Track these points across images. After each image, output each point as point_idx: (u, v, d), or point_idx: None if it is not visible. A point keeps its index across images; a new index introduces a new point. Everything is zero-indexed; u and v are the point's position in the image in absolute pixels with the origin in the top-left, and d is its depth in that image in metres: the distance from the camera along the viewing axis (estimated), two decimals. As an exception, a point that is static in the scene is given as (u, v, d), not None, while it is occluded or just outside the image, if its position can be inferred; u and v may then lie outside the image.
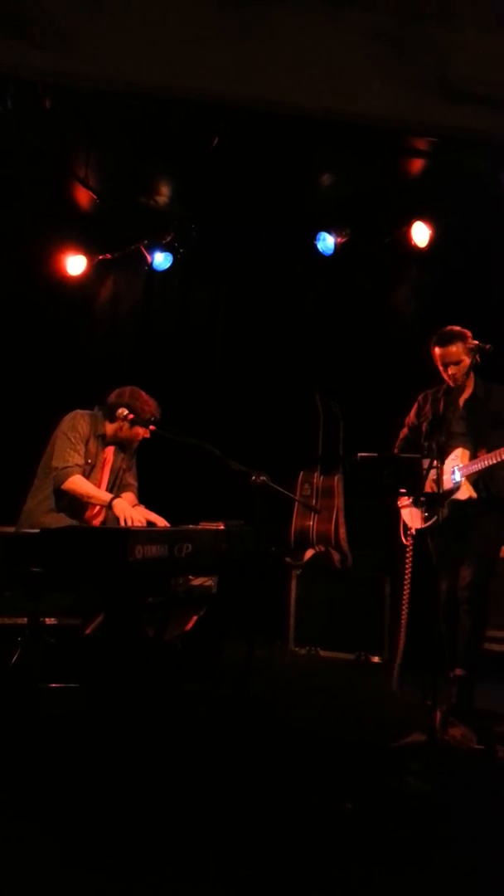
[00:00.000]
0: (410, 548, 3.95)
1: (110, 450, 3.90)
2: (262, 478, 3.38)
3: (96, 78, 3.14)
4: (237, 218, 5.90)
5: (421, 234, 5.56)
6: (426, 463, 3.68)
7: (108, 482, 3.90)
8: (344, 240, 5.81)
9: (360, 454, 3.94)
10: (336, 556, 5.37)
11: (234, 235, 5.99)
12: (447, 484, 3.69)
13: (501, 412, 3.77)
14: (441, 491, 3.58)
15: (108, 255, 6.28)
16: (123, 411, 3.81)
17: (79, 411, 3.85)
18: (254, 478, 3.38)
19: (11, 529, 3.78)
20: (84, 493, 3.69)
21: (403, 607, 3.96)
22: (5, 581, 3.58)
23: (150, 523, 3.67)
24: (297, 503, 5.39)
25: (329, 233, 5.80)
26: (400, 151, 5.19)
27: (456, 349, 3.75)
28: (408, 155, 5.21)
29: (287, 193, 5.64)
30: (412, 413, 4.12)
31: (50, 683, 3.36)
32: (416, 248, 5.61)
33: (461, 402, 3.84)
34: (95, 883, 2.07)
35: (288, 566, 5.32)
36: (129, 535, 3.07)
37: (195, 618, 3.85)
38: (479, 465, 3.66)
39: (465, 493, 3.70)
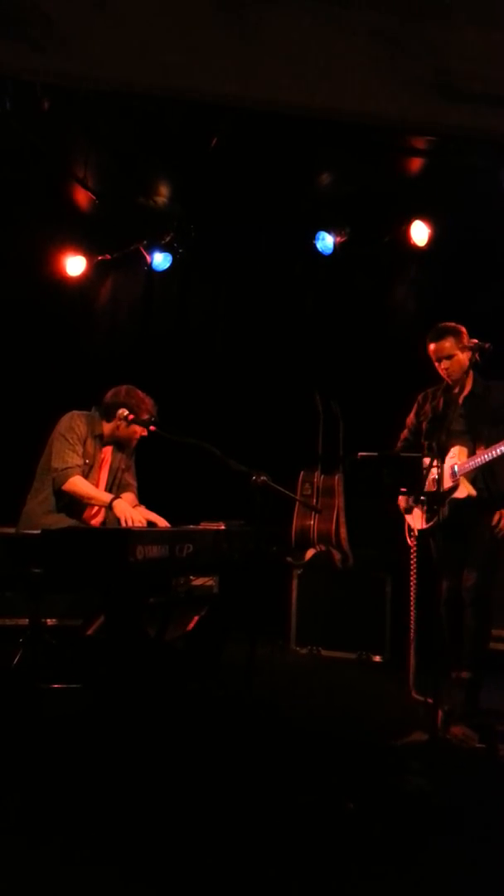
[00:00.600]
0: (414, 548, 3.95)
1: (108, 449, 3.90)
2: (262, 477, 3.38)
3: (95, 79, 3.14)
4: (236, 218, 5.90)
5: (420, 233, 5.56)
6: (426, 462, 3.69)
7: (107, 482, 3.90)
8: (343, 239, 5.81)
9: (360, 453, 3.95)
10: (337, 556, 5.37)
11: (233, 235, 5.99)
12: (447, 483, 3.69)
13: (500, 409, 3.76)
14: (441, 490, 3.58)
15: (108, 256, 6.29)
16: (123, 411, 3.81)
17: (76, 412, 3.85)
18: (254, 478, 3.37)
19: (12, 530, 3.78)
20: (84, 493, 3.69)
21: (411, 608, 3.95)
22: (6, 582, 3.58)
23: (150, 524, 3.67)
24: (297, 503, 5.40)
25: (328, 232, 5.80)
26: (399, 150, 5.18)
27: (449, 344, 3.77)
28: (407, 154, 5.20)
29: (286, 193, 5.64)
30: (412, 413, 4.12)
31: (51, 684, 3.37)
32: (415, 247, 5.61)
33: (461, 400, 3.84)
34: (97, 883, 2.08)
35: (289, 566, 5.33)
36: (130, 536, 3.07)
37: (196, 618, 3.85)
38: (475, 462, 3.65)
39: (464, 491, 3.69)
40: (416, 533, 3.92)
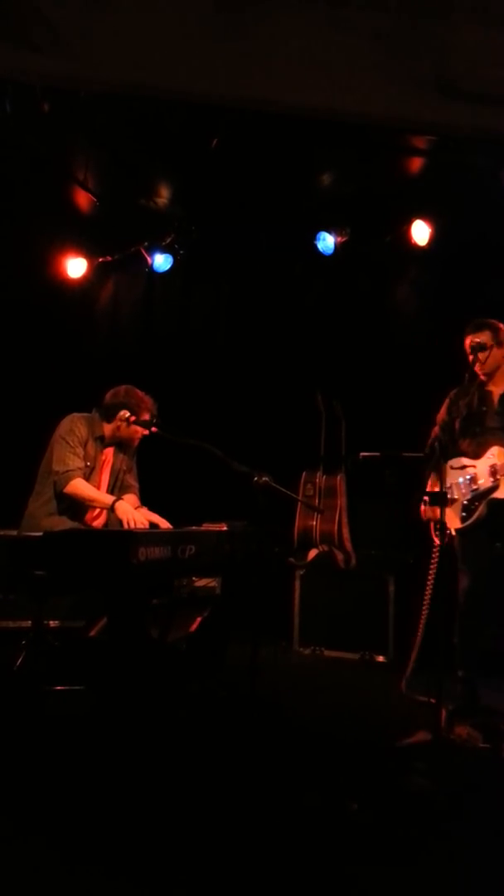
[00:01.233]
0: (437, 548, 3.91)
1: (109, 451, 3.90)
2: (264, 478, 3.38)
3: (95, 81, 3.14)
4: (237, 219, 5.90)
5: (421, 232, 5.56)
6: (462, 461, 3.71)
7: (109, 484, 3.90)
8: (344, 239, 5.80)
9: (362, 453, 3.94)
10: (340, 556, 5.37)
11: (234, 236, 5.99)
12: (486, 482, 3.69)
13: None
14: (478, 490, 3.62)
15: (109, 258, 6.29)
16: (125, 413, 3.81)
17: (75, 414, 3.85)
18: (256, 478, 3.37)
19: (14, 533, 3.78)
20: (86, 496, 3.69)
21: (424, 607, 3.93)
22: (9, 584, 3.58)
23: (153, 525, 3.67)
24: (299, 503, 5.39)
25: (329, 232, 5.80)
26: (399, 150, 5.18)
27: (487, 337, 3.78)
28: (407, 153, 5.20)
29: (287, 193, 5.63)
30: (443, 410, 4.01)
31: (55, 686, 3.37)
32: (416, 246, 5.61)
33: (496, 397, 3.83)
34: (101, 886, 2.07)
35: (291, 566, 5.32)
36: (132, 538, 3.07)
37: (199, 619, 3.85)
38: None
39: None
40: (453, 531, 3.82)
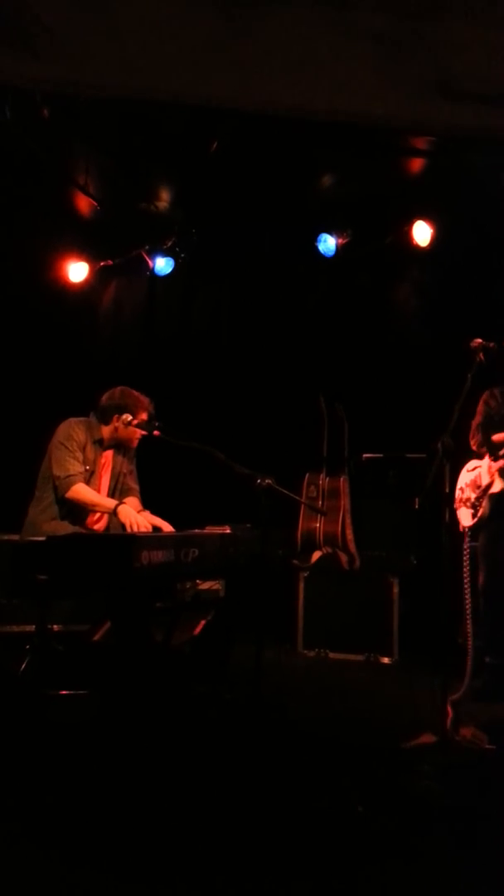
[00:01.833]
0: (468, 545, 3.98)
1: (108, 454, 3.89)
2: (267, 480, 3.37)
3: (95, 86, 3.13)
4: (238, 221, 5.90)
5: (422, 233, 5.56)
6: (473, 461, 3.91)
7: (109, 487, 3.89)
8: (345, 241, 5.81)
9: (364, 455, 3.96)
10: (343, 558, 5.36)
11: (235, 239, 6.00)
12: (486, 480, 3.90)
13: None
14: (481, 487, 3.85)
15: (110, 262, 6.30)
16: (127, 417, 3.80)
17: (73, 419, 3.83)
18: (259, 481, 3.37)
19: (16, 538, 3.78)
20: (88, 501, 3.68)
21: (466, 605, 3.92)
22: (12, 589, 3.58)
23: (155, 529, 3.66)
24: (303, 505, 5.38)
25: (330, 234, 5.80)
26: (400, 151, 5.18)
27: None
28: (408, 154, 5.20)
29: (288, 195, 5.64)
30: (479, 415, 4.08)
31: (59, 691, 3.36)
32: (417, 247, 5.61)
33: None
34: (105, 889, 2.07)
35: (295, 568, 5.32)
36: (135, 542, 3.07)
37: (203, 622, 3.84)
38: None
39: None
40: (465, 529, 3.98)
